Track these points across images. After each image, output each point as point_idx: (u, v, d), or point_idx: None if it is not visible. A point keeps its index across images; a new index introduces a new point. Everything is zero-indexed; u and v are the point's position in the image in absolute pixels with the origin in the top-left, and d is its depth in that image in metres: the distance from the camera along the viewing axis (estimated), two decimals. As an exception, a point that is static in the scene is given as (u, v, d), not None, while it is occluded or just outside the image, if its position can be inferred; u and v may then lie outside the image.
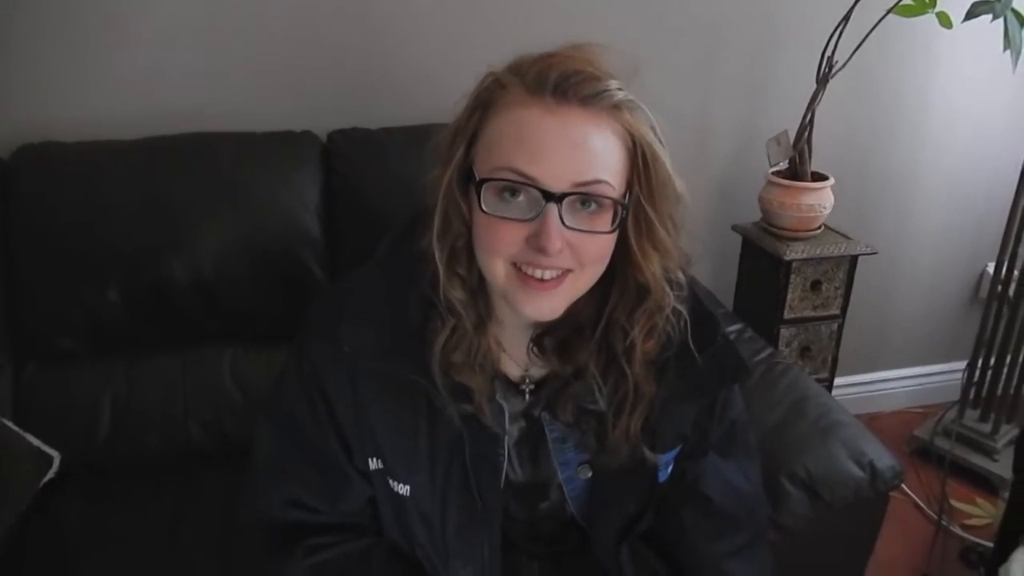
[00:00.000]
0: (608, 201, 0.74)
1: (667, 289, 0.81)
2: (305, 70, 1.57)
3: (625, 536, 0.92)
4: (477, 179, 0.74)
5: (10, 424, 1.28)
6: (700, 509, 0.94)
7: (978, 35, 1.56)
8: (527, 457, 0.90)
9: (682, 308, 0.84)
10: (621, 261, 0.80)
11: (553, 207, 0.72)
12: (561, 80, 0.72)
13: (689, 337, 0.84)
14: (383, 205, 1.40)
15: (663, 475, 0.93)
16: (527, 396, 0.88)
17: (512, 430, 0.88)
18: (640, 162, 0.76)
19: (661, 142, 0.77)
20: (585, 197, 0.74)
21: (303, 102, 1.56)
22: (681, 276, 0.84)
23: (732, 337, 1.52)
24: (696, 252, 0.86)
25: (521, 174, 0.72)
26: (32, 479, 1.25)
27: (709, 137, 1.87)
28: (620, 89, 0.74)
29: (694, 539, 0.93)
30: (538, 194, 0.72)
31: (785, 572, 1.09)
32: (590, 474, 0.90)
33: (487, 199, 0.74)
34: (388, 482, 0.87)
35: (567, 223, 0.73)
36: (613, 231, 0.76)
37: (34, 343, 1.35)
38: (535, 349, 0.86)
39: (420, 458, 0.85)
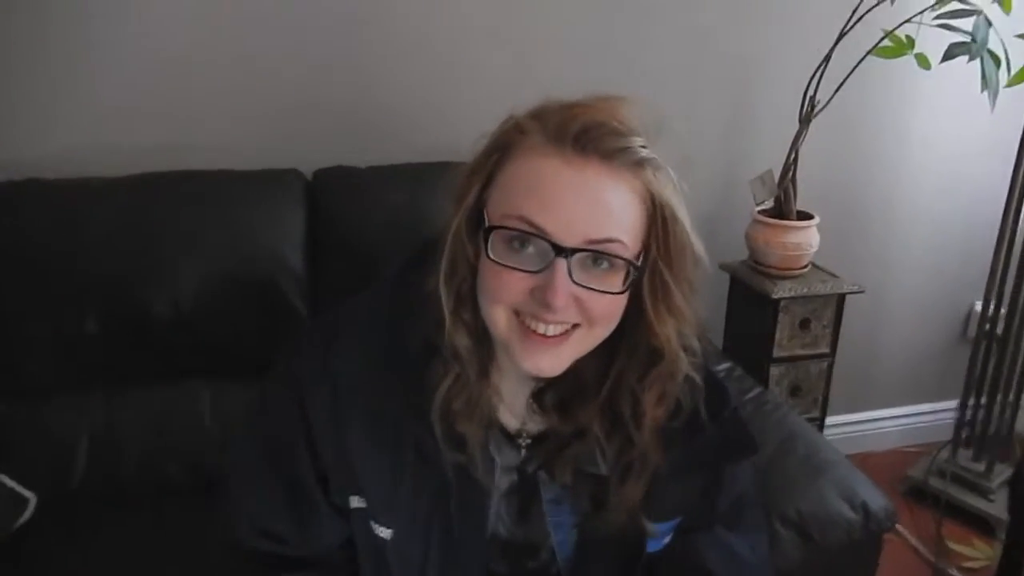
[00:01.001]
0: (621, 261, 0.72)
1: (681, 355, 0.78)
2: (291, 108, 1.58)
3: None
4: (487, 225, 0.72)
5: (-16, 464, 1.26)
6: None
7: (956, 75, 1.58)
8: (516, 514, 0.87)
9: (696, 376, 0.80)
10: (633, 322, 0.77)
11: (562, 262, 0.69)
12: (583, 132, 0.70)
13: (702, 406, 0.81)
14: (367, 242, 1.39)
15: (656, 544, 0.89)
16: (522, 451, 0.85)
17: (501, 482, 0.85)
18: (660, 223, 0.73)
19: (682, 204, 0.74)
20: (597, 255, 0.71)
21: (289, 140, 1.56)
22: (695, 343, 0.80)
23: (722, 375, 1.51)
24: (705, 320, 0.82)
25: (532, 224, 0.69)
26: (7, 521, 1.22)
27: (694, 174, 1.86)
28: (644, 146, 0.72)
29: None
30: (548, 247, 0.69)
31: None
32: (576, 536, 0.87)
33: (495, 246, 0.71)
34: (370, 524, 0.83)
35: (576, 279, 0.70)
36: (624, 292, 0.73)
37: (7, 376, 1.33)
38: (534, 404, 0.82)
39: (402, 501, 0.81)
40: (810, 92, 1.66)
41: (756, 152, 1.84)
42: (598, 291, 0.71)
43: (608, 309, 0.74)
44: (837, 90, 1.63)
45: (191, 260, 1.34)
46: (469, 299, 0.77)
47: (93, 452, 1.34)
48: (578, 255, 0.70)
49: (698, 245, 0.75)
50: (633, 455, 0.80)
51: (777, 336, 1.77)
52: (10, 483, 1.26)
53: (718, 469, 0.89)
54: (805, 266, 1.80)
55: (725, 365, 1.57)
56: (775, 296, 1.72)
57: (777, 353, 1.78)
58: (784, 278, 1.76)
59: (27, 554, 1.21)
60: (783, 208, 1.75)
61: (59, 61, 1.44)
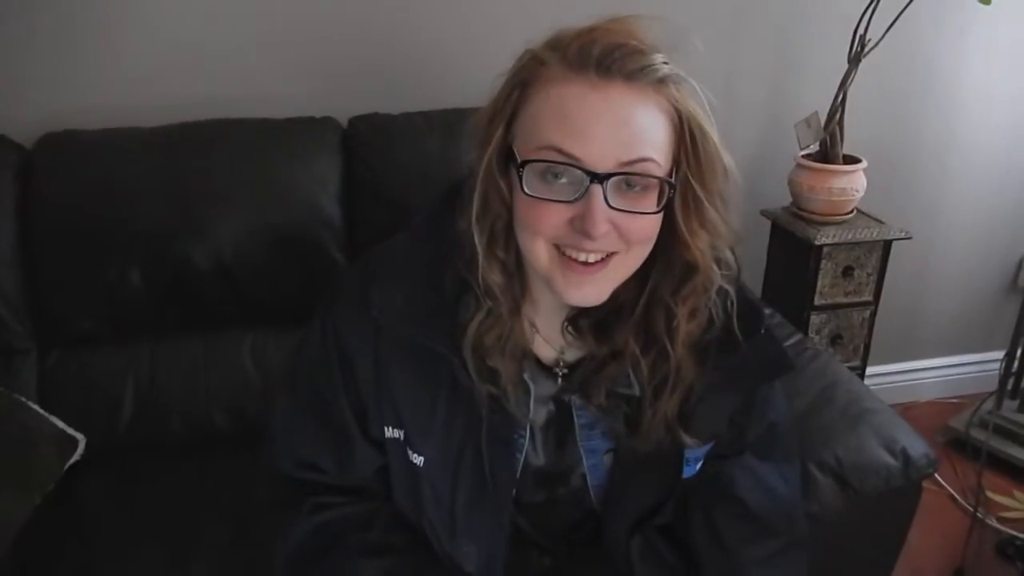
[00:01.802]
0: (655, 180, 0.72)
1: (715, 267, 0.78)
2: (325, 55, 1.56)
3: (637, 528, 0.90)
4: (519, 160, 0.72)
5: (35, 407, 1.30)
6: (733, 512, 0.90)
7: (1015, 13, 1.50)
8: (552, 442, 0.88)
9: (729, 288, 0.81)
10: (667, 239, 0.77)
11: (598, 188, 0.70)
12: (604, 55, 0.69)
13: (735, 319, 0.81)
14: (403, 190, 1.39)
15: (690, 470, 0.89)
16: (559, 380, 0.86)
17: (539, 413, 0.86)
18: (688, 138, 0.73)
19: (709, 116, 0.74)
20: (631, 177, 0.71)
21: (323, 87, 1.55)
22: (730, 255, 0.80)
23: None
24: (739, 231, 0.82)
25: (565, 153, 0.70)
26: (57, 462, 1.27)
27: (736, 118, 1.83)
28: (665, 63, 0.72)
29: (726, 542, 0.89)
30: (582, 175, 0.70)
31: (815, 563, 1.06)
32: (610, 460, 0.88)
33: (529, 180, 0.71)
34: (407, 451, 0.85)
35: (612, 204, 0.70)
36: (660, 211, 0.74)
37: (57, 328, 1.37)
38: (571, 329, 0.83)
39: (436, 430, 0.84)
40: (860, 30, 1.59)
41: (802, 94, 1.78)
42: (635, 213, 0.72)
43: (646, 230, 0.74)
44: (889, 28, 1.56)
45: (228, 210, 1.35)
46: (503, 236, 0.77)
47: (138, 399, 1.38)
48: (613, 179, 0.70)
49: (727, 157, 0.75)
50: (668, 370, 0.81)
51: (819, 284, 1.73)
52: (60, 424, 1.30)
53: (752, 389, 0.89)
54: (850, 212, 1.75)
55: (765, 311, 1.55)
56: (818, 242, 1.68)
57: (818, 301, 1.75)
58: (828, 224, 1.72)
59: (77, 494, 1.25)
60: (829, 152, 1.70)
61: (92, 12, 1.44)
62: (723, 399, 0.87)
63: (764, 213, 1.84)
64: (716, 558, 0.90)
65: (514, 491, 0.88)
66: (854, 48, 1.61)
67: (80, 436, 1.31)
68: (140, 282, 1.33)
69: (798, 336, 1.49)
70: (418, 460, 0.85)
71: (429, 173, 1.38)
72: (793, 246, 1.77)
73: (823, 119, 1.67)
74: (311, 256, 1.39)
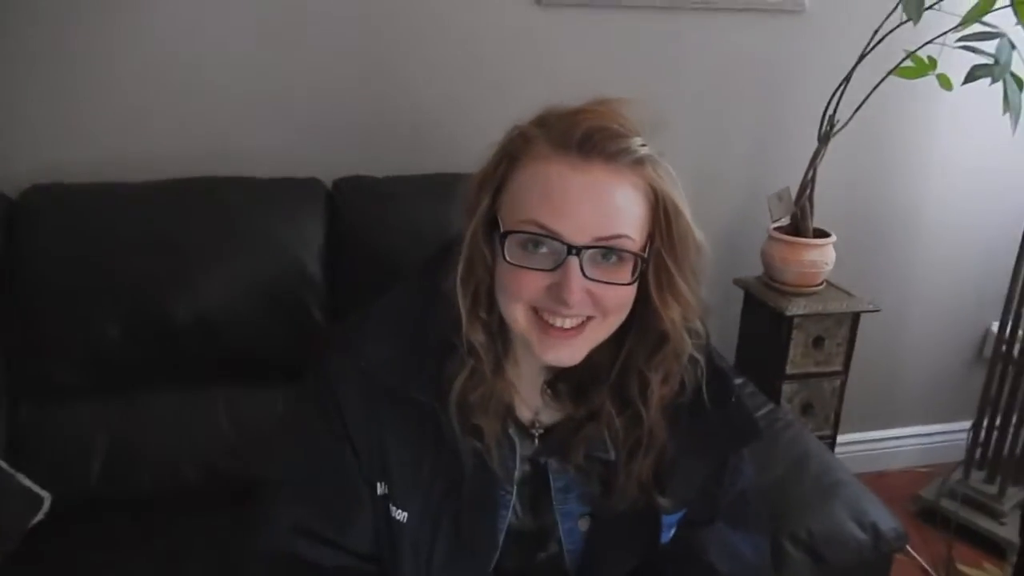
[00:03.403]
0: (628, 254, 0.76)
1: (686, 337, 0.82)
2: (312, 118, 1.59)
3: None
4: (502, 231, 0.76)
5: (1, 463, 1.27)
6: None
7: (978, 96, 1.58)
8: (528, 503, 0.89)
9: (699, 356, 0.85)
10: (641, 308, 0.81)
11: (575, 260, 0.74)
12: (586, 137, 0.74)
13: (704, 385, 0.85)
14: (385, 252, 1.41)
15: (665, 536, 0.91)
16: (535, 441, 0.88)
17: (519, 471, 0.88)
18: (662, 215, 0.77)
19: (682, 196, 0.79)
20: (606, 251, 0.75)
21: (309, 149, 1.58)
22: (699, 325, 0.85)
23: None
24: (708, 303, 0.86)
25: (545, 228, 0.74)
26: (21, 521, 1.24)
27: (711, 191, 1.88)
28: (643, 145, 0.76)
29: None
30: (560, 247, 0.74)
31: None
32: (586, 525, 0.89)
33: (511, 249, 0.76)
34: (389, 508, 0.86)
35: (588, 274, 0.74)
36: (633, 282, 0.78)
37: (31, 379, 1.35)
38: (549, 392, 0.86)
39: (420, 486, 0.85)
40: (830, 111, 1.66)
41: (774, 169, 1.85)
42: (609, 283, 0.76)
43: (619, 299, 0.78)
44: (857, 109, 1.63)
45: (212, 267, 1.35)
46: (485, 299, 0.81)
47: (111, 455, 1.35)
48: (589, 252, 0.74)
49: (698, 233, 0.80)
50: (641, 432, 0.84)
51: (790, 353, 1.77)
52: (26, 482, 1.27)
53: (723, 457, 0.92)
54: (820, 283, 1.79)
55: (737, 381, 1.57)
56: (789, 313, 1.72)
57: (790, 370, 1.78)
58: (799, 295, 1.76)
59: (42, 554, 1.22)
60: (800, 225, 1.75)
61: (81, 71, 1.46)
62: (695, 465, 0.89)
63: (737, 282, 1.88)
64: None
65: (497, 550, 0.88)
66: (823, 127, 1.67)
67: (46, 494, 1.28)
68: (120, 336, 1.33)
69: (770, 406, 1.51)
70: (401, 516, 0.85)
71: (412, 236, 1.39)
72: (765, 316, 1.81)
73: (794, 193, 1.73)
74: (292, 315, 1.40)
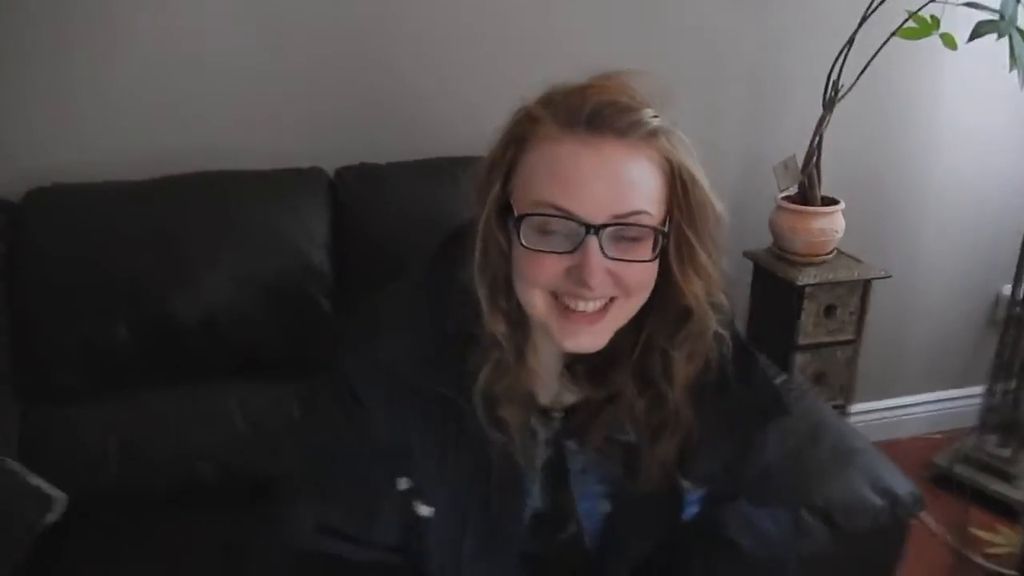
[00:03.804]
0: (648, 230, 0.74)
1: (709, 312, 0.79)
2: (312, 107, 1.58)
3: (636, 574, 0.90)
4: (516, 215, 0.74)
5: (15, 464, 1.27)
6: (728, 556, 0.91)
7: (983, 54, 1.55)
8: (548, 486, 0.88)
9: (724, 332, 0.82)
10: (662, 285, 0.78)
11: (593, 239, 0.71)
12: (595, 113, 0.72)
13: (729, 364, 0.83)
14: (391, 240, 1.40)
15: (689, 512, 0.90)
16: (556, 424, 0.87)
17: (537, 458, 0.87)
18: (679, 187, 0.75)
19: (698, 165, 0.77)
20: (625, 228, 0.73)
21: (311, 138, 1.57)
22: (723, 299, 0.82)
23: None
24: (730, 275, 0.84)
25: (560, 209, 0.72)
26: (36, 521, 1.24)
27: (717, 162, 1.83)
28: (655, 116, 0.74)
29: None
30: (578, 227, 0.72)
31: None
32: (607, 507, 0.89)
33: (526, 234, 0.73)
34: (412, 503, 0.85)
35: (608, 254, 0.72)
36: (655, 258, 0.75)
37: (41, 382, 1.35)
38: (568, 375, 0.84)
39: (445, 479, 0.83)
40: (833, 76, 1.64)
41: (780, 138, 1.82)
42: (630, 261, 0.73)
43: (642, 277, 0.76)
44: (861, 73, 1.61)
45: (216, 262, 1.35)
46: (503, 287, 0.78)
47: (124, 454, 1.35)
48: (607, 230, 0.72)
49: (718, 204, 0.77)
50: (665, 414, 0.82)
51: (802, 323, 1.76)
52: (40, 482, 1.27)
53: (748, 434, 0.90)
54: (830, 252, 1.78)
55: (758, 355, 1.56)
56: (800, 283, 1.71)
57: (802, 340, 1.77)
58: (809, 264, 1.74)
59: (59, 554, 1.22)
60: (807, 194, 1.73)
61: (80, 68, 1.45)
62: (720, 443, 0.87)
63: (747, 254, 1.87)
64: None
65: (522, 537, 0.88)
66: (828, 93, 1.65)
67: (61, 495, 1.28)
68: (127, 335, 1.32)
69: (783, 376, 1.51)
70: (427, 512, 0.84)
71: (417, 222, 1.37)
72: (776, 287, 1.80)
73: (800, 162, 1.71)
74: (299, 306, 1.39)
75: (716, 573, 0.91)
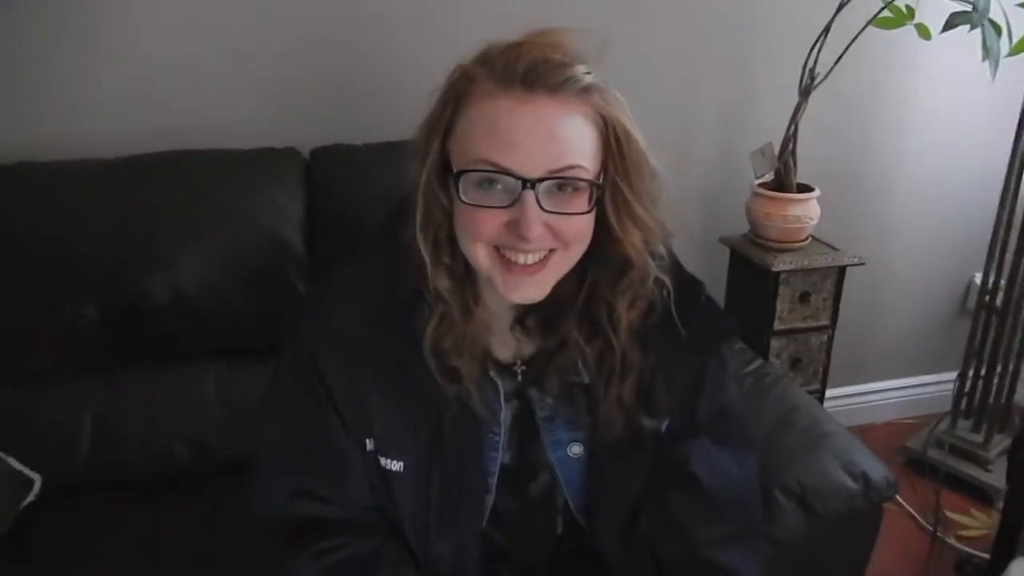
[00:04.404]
0: (583, 183, 0.76)
1: (649, 260, 0.83)
2: (287, 88, 1.56)
3: (631, 527, 0.91)
4: (455, 171, 0.76)
5: (-11, 446, 1.26)
6: (689, 491, 0.91)
7: (957, 45, 1.57)
8: (516, 438, 0.90)
9: (665, 278, 0.85)
10: (601, 237, 0.82)
11: (530, 193, 0.74)
12: (529, 70, 0.74)
13: (672, 305, 0.86)
14: (365, 220, 1.35)
15: None
16: (519, 377, 0.89)
17: (506, 413, 0.89)
18: (614, 142, 0.78)
19: (633, 122, 0.79)
20: (561, 182, 0.75)
21: (285, 119, 1.55)
22: (662, 248, 0.85)
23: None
24: (677, 231, 0.88)
25: (497, 165, 0.74)
26: (12, 502, 1.23)
27: (693, 148, 1.87)
28: (588, 73, 0.76)
29: (681, 522, 0.91)
30: (514, 182, 0.74)
31: (779, 586, 1.07)
32: (580, 451, 0.90)
33: (466, 190, 0.76)
34: (379, 461, 0.87)
35: (544, 207, 0.75)
36: (590, 211, 0.78)
37: (10, 363, 1.33)
38: (519, 329, 0.88)
39: (408, 434, 0.86)
40: (809, 64, 1.64)
41: (756, 125, 1.83)
42: (567, 214, 0.76)
43: (579, 229, 0.79)
44: (836, 62, 1.61)
45: (190, 242, 1.33)
46: (447, 244, 0.82)
47: (97, 435, 1.34)
48: (543, 184, 0.75)
49: (653, 159, 0.81)
50: (612, 357, 0.86)
51: (777, 309, 1.77)
52: (15, 464, 1.26)
53: (702, 362, 0.92)
54: (805, 239, 1.79)
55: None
56: (775, 269, 1.72)
57: (777, 326, 1.79)
58: (784, 251, 1.76)
59: (34, 535, 1.22)
60: (783, 181, 1.74)
61: (53, 47, 1.42)
62: (674, 375, 0.90)
63: (723, 240, 1.88)
64: (674, 540, 0.91)
65: (491, 494, 0.89)
66: (803, 81, 1.66)
67: (36, 475, 1.27)
68: (97, 315, 1.31)
69: (759, 361, 1.51)
70: (396, 466, 0.86)
71: (392, 203, 1.38)
72: (752, 273, 1.81)
73: (776, 149, 1.72)
74: (274, 287, 1.38)
75: (676, 510, 0.91)
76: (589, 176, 0.76)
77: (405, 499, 0.87)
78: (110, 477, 1.33)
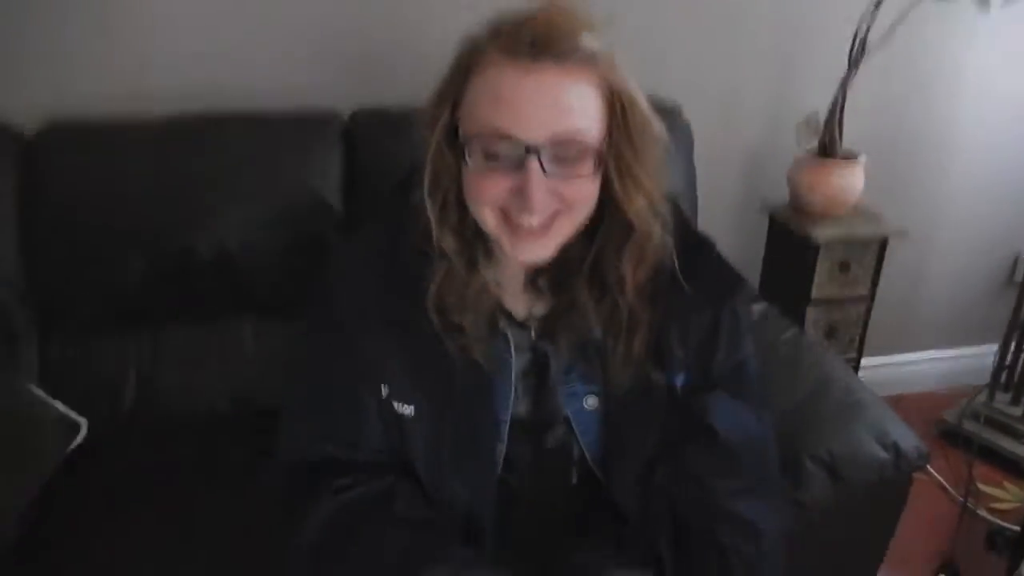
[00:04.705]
0: (587, 148, 0.79)
1: (653, 224, 0.86)
2: (329, 48, 1.56)
3: (647, 479, 0.92)
4: (461, 138, 0.80)
5: (38, 391, 1.31)
6: (706, 443, 0.92)
7: (1017, 16, 1.51)
8: (532, 390, 0.94)
9: (669, 240, 0.88)
10: (607, 201, 0.85)
11: (534, 159, 0.77)
12: (535, 40, 0.76)
13: (676, 265, 0.88)
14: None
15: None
16: (532, 333, 0.93)
17: (519, 365, 0.92)
18: (618, 109, 0.81)
19: (638, 88, 0.82)
20: (564, 147, 0.78)
21: (325, 81, 1.56)
22: (665, 212, 0.87)
23: (756, 317, 1.53)
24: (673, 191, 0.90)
25: (501, 132, 0.77)
26: (60, 445, 1.28)
27: (737, 115, 1.84)
28: (595, 40, 0.79)
29: (698, 474, 0.92)
30: (519, 148, 0.77)
31: (806, 552, 1.09)
32: (596, 404, 0.93)
33: (473, 156, 0.80)
34: (392, 405, 0.91)
35: (548, 172, 0.78)
36: (594, 174, 0.81)
37: (59, 314, 1.38)
38: (531, 287, 0.92)
39: (421, 382, 0.90)
40: (861, 33, 1.60)
41: (803, 93, 1.80)
42: (571, 178, 0.80)
43: (583, 193, 0.82)
44: (890, 32, 1.57)
45: (231, 201, 1.36)
46: (454, 205, 0.86)
47: (141, 386, 1.39)
48: (547, 150, 0.78)
49: (657, 125, 0.84)
50: (620, 315, 0.89)
51: (816, 278, 1.75)
52: (63, 408, 1.31)
53: (714, 314, 0.94)
54: (848, 208, 1.76)
55: (760, 306, 1.57)
56: (816, 239, 1.70)
57: (815, 295, 1.77)
58: (826, 220, 1.73)
59: (80, 478, 1.26)
60: (828, 149, 1.71)
61: (94, 4, 1.44)
62: (687, 327, 0.92)
63: (764, 208, 1.86)
64: (688, 490, 0.92)
65: (503, 442, 0.93)
66: (854, 50, 1.62)
67: (82, 420, 1.32)
68: (142, 271, 1.35)
69: (793, 329, 1.51)
70: (407, 410, 0.90)
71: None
72: (791, 242, 1.79)
73: (822, 118, 1.69)
74: (312, 246, 1.38)
75: (692, 461, 0.92)
76: (593, 141, 0.79)
77: (418, 443, 0.91)
78: (153, 425, 1.38)
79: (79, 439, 1.31)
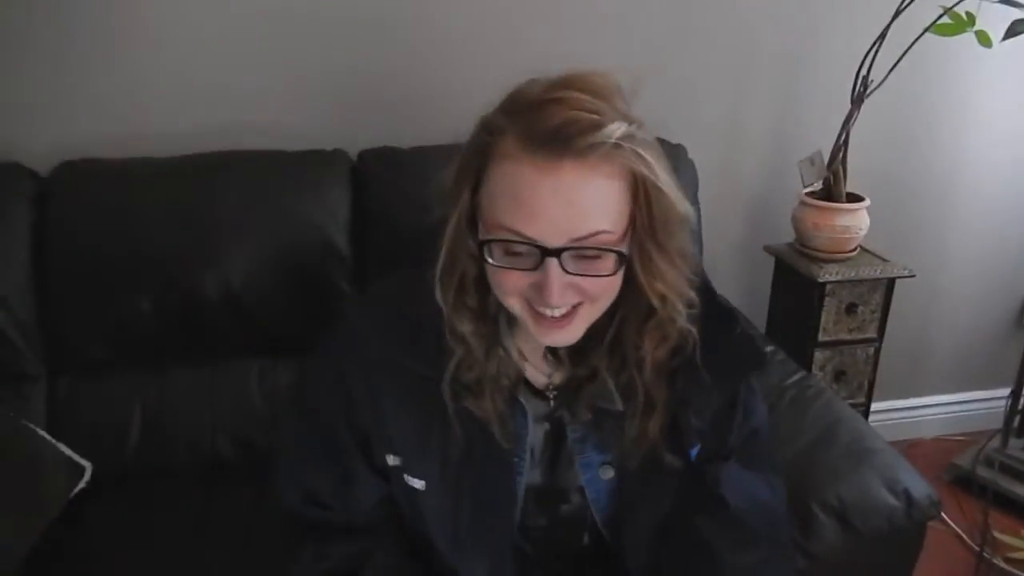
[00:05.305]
0: (608, 248, 0.76)
1: (677, 307, 0.83)
2: (337, 89, 1.59)
3: (657, 544, 0.93)
4: (481, 236, 0.77)
5: (43, 433, 1.31)
6: (719, 516, 0.92)
7: (1019, 54, 1.52)
8: (547, 460, 0.92)
9: (691, 327, 0.85)
10: (629, 283, 0.82)
11: (553, 260, 0.74)
12: (555, 134, 0.71)
13: (698, 351, 0.86)
14: (412, 223, 1.39)
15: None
16: (551, 402, 0.91)
17: (536, 435, 0.91)
18: (642, 197, 0.76)
19: (665, 170, 0.77)
20: (584, 249, 0.75)
21: (334, 121, 1.58)
22: (692, 294, 0.84)
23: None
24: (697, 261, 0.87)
25: (520, 234, 0.74)
26: (64, 488, 1.28)
27: (741, 155, 1.85)
28: (619, 126, 0.73)
29: (713, 547, 0.91)
30: (537, 250, 0.74)
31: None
32: (612, 474, 0.91)
33: (492, 252, 0.77)
34: (404, 478, 0.90)
35: (569, 270, 0.75)
36: (614, 273, 0.78)
37: (68, 354, 1.38)
38: (550, 357, 0.90)
39: (433, 455, 0.88)
40: (863, 71, 1.61)
41: (806, 132, 1.80)
42: (591, 276, 0.77)
43: (603, 287, 0.79)
44: (892, 69, 1.58)
45: (239, 241, 1.37)
46: (473, 286, 0.83)
47: (146, 426, 1.38)
48: (567, 252, 0.74)
49: (681, 205, 0.79)
50: (636, 393, 0.87)
51: (822, 320, 1.74)
52: (68, 452, 1.31)
53: (733, 387, 0.93)
54: (853, 249, 1.76)
55: (768, 348, 1.56)
56: (821, 280, 1.69)
57: (822, 337, 1.76)
58: (831, 261, 1.73)
59: (83, 521, 1.26)
60: (832, 190, 1.71)
61: (109, 44, 1.47)
62: (704, 400, 0.90)
63: (768, 249, 1.86)
64: (700, 564, 0.91)
65: (517, 512, 0.92)
66: (857, 88, 1.63)
67: (87, 463, 1.32)
68: (150, 310, 1.35)
69: (801, 373, 1.49)
70: (419, 484, 0.89)
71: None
72: (797, 283, 1.78)
73: (826, 157, 1.69)
74: (320, 287, 1.41)
75: (706, 535, 0.92)
76: (614, 239, 0.75)
77: (431, 517, 0.91)
78: (157, 467, 1.37)
79: (83, 483, 1.30)
